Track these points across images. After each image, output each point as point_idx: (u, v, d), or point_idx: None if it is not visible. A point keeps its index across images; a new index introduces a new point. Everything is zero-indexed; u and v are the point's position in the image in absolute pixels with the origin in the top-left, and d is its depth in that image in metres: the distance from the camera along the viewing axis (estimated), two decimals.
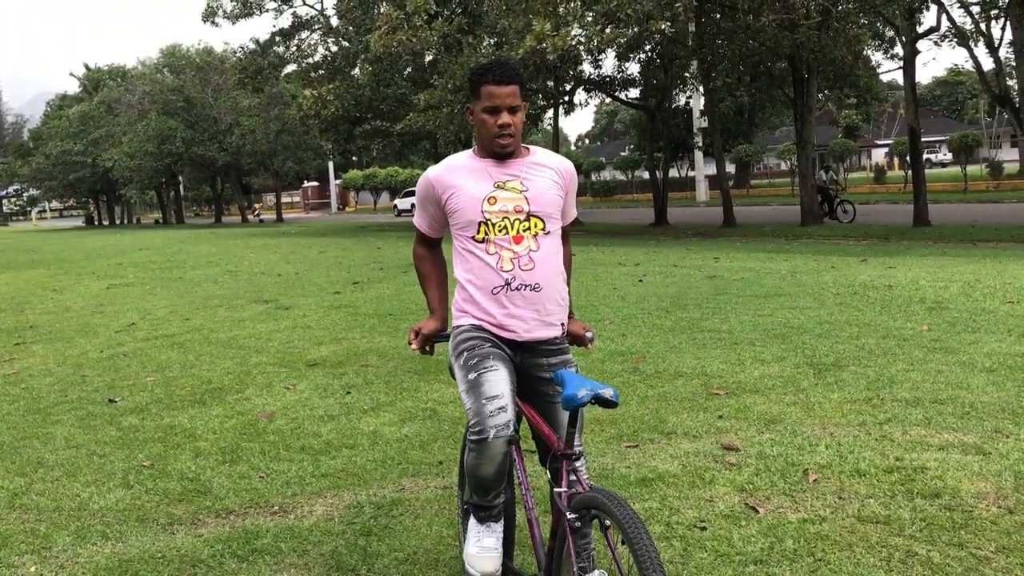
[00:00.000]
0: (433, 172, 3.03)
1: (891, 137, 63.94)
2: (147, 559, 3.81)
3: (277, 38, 38.05)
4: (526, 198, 2.91)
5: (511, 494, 3.15)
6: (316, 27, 38.04)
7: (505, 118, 2.87)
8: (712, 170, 44.86)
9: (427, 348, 3.13)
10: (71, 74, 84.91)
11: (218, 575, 3.62)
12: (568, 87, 29.04)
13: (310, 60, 39.14)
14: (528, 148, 3.05)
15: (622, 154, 64.65)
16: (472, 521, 3.05)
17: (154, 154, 57.36)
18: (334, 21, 37.89)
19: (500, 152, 2.93)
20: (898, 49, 25.18)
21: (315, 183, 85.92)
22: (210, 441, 5.60)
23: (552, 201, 2.97)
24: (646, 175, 42.31)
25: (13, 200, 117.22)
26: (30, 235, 58.03)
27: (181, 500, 4.55)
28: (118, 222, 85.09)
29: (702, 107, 37.35)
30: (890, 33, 26.96)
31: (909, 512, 3.81)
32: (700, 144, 38.66)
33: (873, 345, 7.19)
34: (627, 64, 28.56)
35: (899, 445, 4.67)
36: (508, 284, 2.88)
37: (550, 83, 28.92)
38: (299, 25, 38.02)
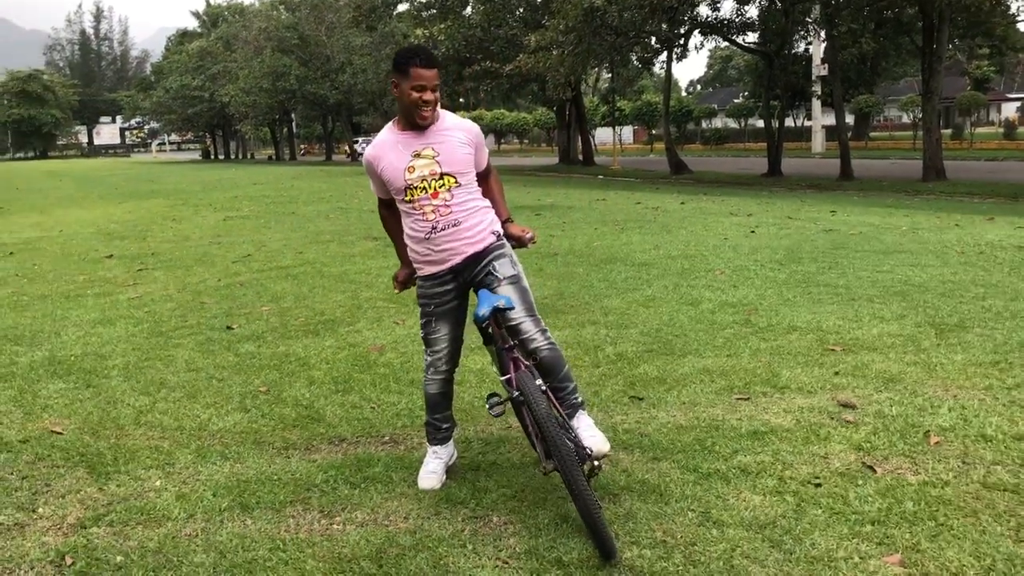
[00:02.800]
0: (369, 152, 3.73)
1: None
2: (264, 480, 3.94)
3: None
4: (437, 162, 3.61)
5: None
6: None
7: (429, 95, 3.51)
8: (830, 120, 43.34)
9: (406, 287, 3.97)
10: (191, 11, 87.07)
11: (332, 500, 3.72)
12: (683, 30, 28.28)
13: None
14: (438, 113, 3.66)
15: (735, 101, 62.90)
16: (427, 445, 4.01)
17: (269, 91, 58.60)
18: None
19: (420, 124, 3.57)
20: None
21: None
22: (323, 371, 5.74)
23: (462, 159, 3.66)
24: (759, 124, 41.13)
25: (135, 132, 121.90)
26: (150, 166, 60.31)
27: (296, 426, 4.69)
28: (233, 157, 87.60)
29: (823, 54, 35.95)
30: None
31: None
32: (819, 93, 37.28)
33: (1000, 307, 6.84)
34: (746, 7, 27.62)
35: None
36: (434, 228, 3.62)
37: (664, 26, 28.23)
38: None
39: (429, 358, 3.83)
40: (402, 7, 42.39)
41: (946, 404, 4.57)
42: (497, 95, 39.36)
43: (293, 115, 72.43)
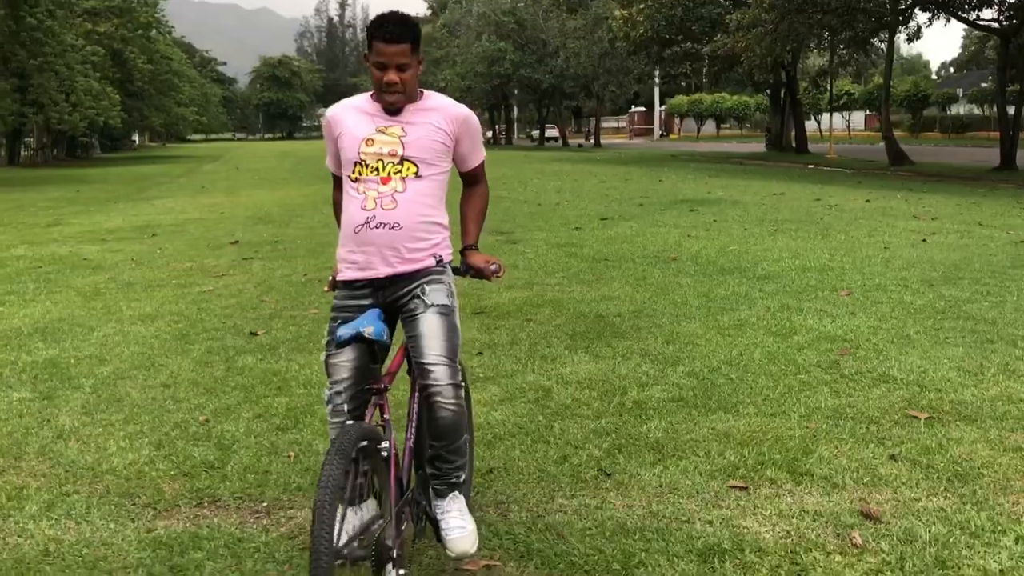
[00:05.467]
0: (330, 111, 3.10)
1: None
2: (64, 554, 3.22)
3: None
4: (402, 142, 2.93)
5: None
6: None
7: (391, 76, 2.85)
8: None
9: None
10: None
11: None
12: (903, 6, 25.42)
13: None
14: (424, 92, 3.02)
15: (982, 85, 56.95)
16: None
17: (484, 75, 59.22)
18: None
19: (387, 108, 2.93)
20: None
21: (642, 108, 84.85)
22: (290, 398, 5.00)
23: (430, 147, 2.96)
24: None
25: None
26: None
27: (186, 475, 3.95)
28: None
29: None
30: None
31: None
32: None
33: None
34: None
35: None
36: (368, 222, 2.91)
37: (886, 1, 25.50)
38: None
39: (327, 392, 2.95)
40: None
41: (1016, 531, 3.14)
42: (706, 78, 37.32)
43: (512, 100, 72.95)
